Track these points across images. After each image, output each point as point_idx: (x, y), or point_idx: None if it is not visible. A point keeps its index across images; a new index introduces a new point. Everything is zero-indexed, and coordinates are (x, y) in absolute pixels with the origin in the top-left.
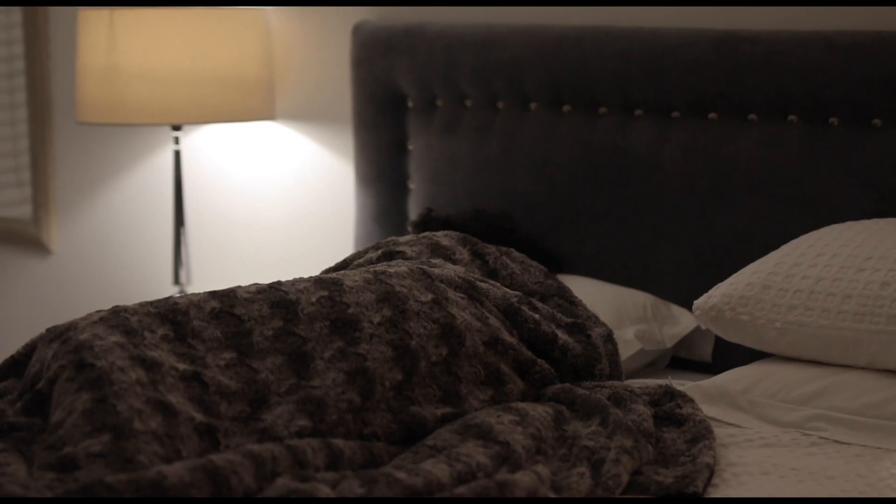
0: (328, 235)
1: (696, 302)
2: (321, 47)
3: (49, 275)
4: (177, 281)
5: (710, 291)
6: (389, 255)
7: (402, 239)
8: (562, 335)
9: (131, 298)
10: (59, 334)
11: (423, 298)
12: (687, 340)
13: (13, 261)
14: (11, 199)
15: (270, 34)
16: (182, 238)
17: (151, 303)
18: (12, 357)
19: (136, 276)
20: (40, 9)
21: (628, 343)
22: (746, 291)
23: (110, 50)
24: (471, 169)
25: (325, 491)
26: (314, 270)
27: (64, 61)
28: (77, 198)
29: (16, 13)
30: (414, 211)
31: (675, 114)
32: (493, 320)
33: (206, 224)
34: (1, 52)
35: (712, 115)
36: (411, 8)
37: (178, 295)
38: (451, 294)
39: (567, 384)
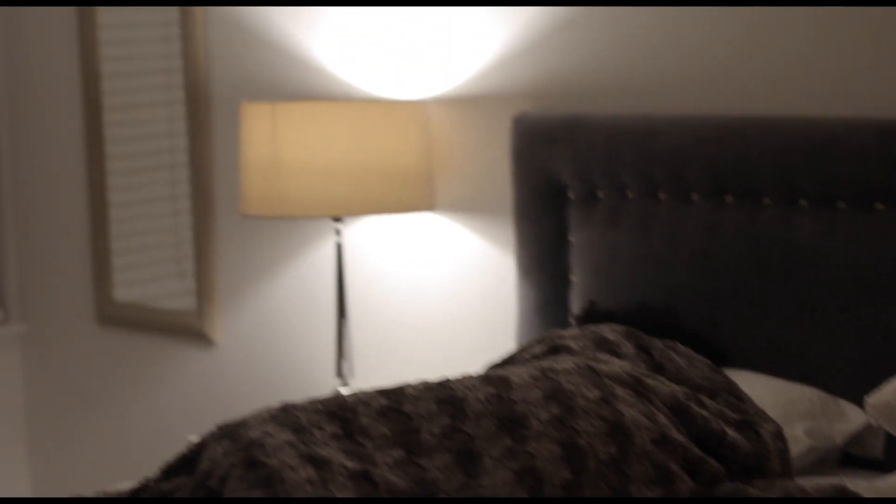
0: (489, 327)
1: (868, 398)
2: (481, 138)
3: (212, 366)
4: (339, 373)
5: (883, 387)
6: (555, 350)
7: (566, 333)
8: (731, 432)
9: (294, 390)
10: (229, 431)
11: (590, 395)
12: (857, 436)
13: (177, 352)
14: (174, 290)
15: (430, 126)
16: (344, 330)
17: (320, 400)
18: (183, 454)
19: (299, 368)
20: (203, 101)
21: (797, 440)
22: None
23: (273, 143)
24: (633, 261)
25: None
26: (477, 362)
27: (227, 154)
28: (239, 289)
29: (178, 105)
30: (576, 303)
31: (841, 204)
32: (661, 417)
33: (368, 316)
34: (163, 143)
35: (879, 206)
36: (571, 99)
37: (343, 390)
38: (619, 391)
39: (738, 483)
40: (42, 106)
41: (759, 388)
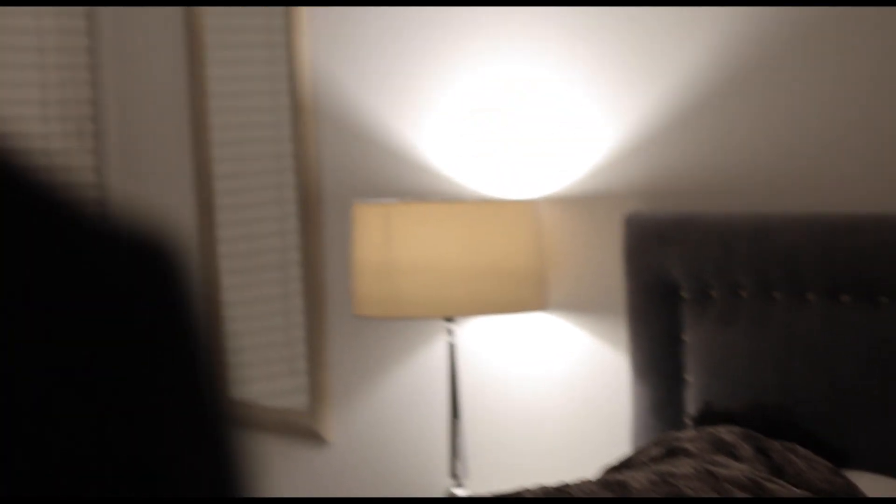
0: (603, 427)
1: None
2: (592, 237)
3: (325, 465)
4: (453, 474)
5: None
6: (672, 452)
7: (682, 434)
8: None
9: (407, 490)
10: None
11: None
12: None
13: (289, 452)
14: (285, 389)
15: (541, 225)
16: (457, 430)
17: None
18: None
19: (412, 468)
20: (314, 201)
21: None
22: None
23: (385, 244)
24: (748, 361)
25: None
26: (591, 463)
27: (338, 253)
28: (352, 388)
29: (290, 204)
30: (691, 404)
31: None
32: None
33: (482, 415)
34: (275, 243)
35: None
36: (683, 198)
37: (457, 491)
38: (739, 495)
39: None
40: (152, 209)
41: (882, 491)
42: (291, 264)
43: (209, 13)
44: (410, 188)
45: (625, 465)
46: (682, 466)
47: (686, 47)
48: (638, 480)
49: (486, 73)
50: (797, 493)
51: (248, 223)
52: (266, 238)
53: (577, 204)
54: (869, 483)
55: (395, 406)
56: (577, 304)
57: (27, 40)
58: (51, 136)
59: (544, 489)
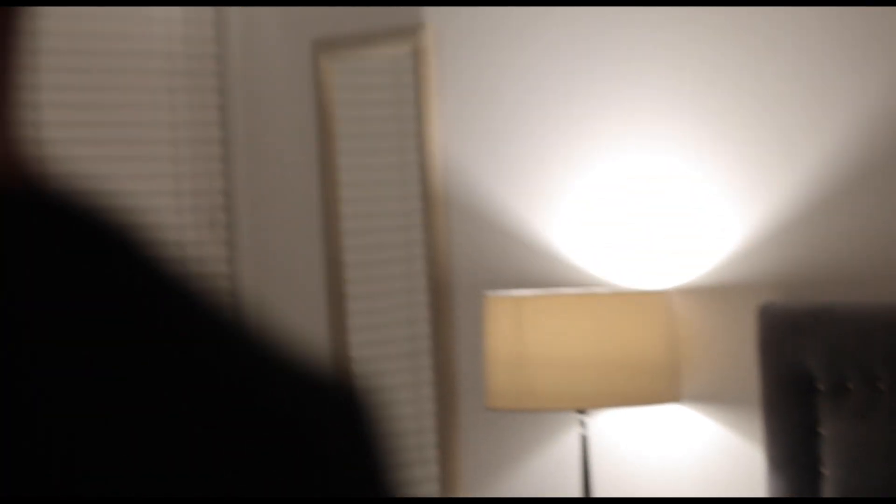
0: None
1: None
2: (726, 329)
3: None
4: None
5: None
6: None
7: None
8: None
9: None
10: None
11: None
12: None
13: None
14: (416, 478)
15: (674, 316)
16: None
17: None
18: None
19: None
20: (445, 290)
21: None
22: None
23: (517, 336)
24: (887, 455)
25: None
26: None
27: (468, 343)
28: (483, 480)
29: (420, 293)
30: (828, 498)
31: None
32: None
33: None
34: (405, 332)
35: None
36: (818, 288)
37: None
38: None
39: None
40: (287, 298)
41: None
42: (421, 353)
43: (340, 103)
44: (542, 278)
45: None
46: None
47: (819, 136)
48: None
49: (617, 164)
50: None
51: (378, 312)
52: (396, 327)
53: (710, 294)
54: None
55: (528, 496)
56: (711, 396)
57: (161, 133)
58: (183, 227)
59: None
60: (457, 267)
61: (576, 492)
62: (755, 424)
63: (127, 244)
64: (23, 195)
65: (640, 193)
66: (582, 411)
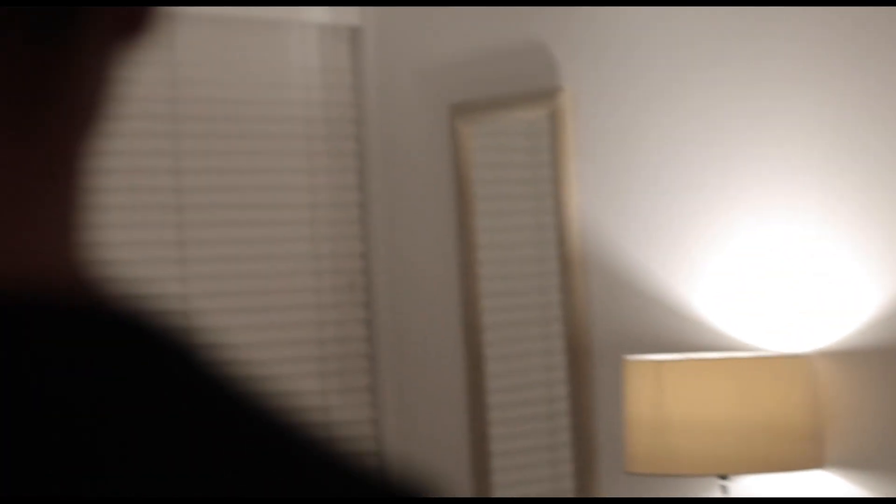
0: None
1: None
2: (870, 393)
3: None
4: None
5: None
6: None
7: None
8: None
9: None
10: None
11: None
12: None
13: None
14: None
15: (816, 380)
16: None
17: None
18: None
19: None
20: (583, 353)
21: None
22: None
23: (657, 400)
24: None
25: None
26: None
27: (607, 406)
28: None
29: (558, 355)
30: None
31: None
32: None
33: None
34: (542, 393)
35: None
36: None
37: None
38: None
39: None
40: (426, 361)
41: None
42: (560, 415)
43: (477, 166)
44: (681, 342)
45: None
46: None
47: None
48: None
49: (757, 229)
50: None
51: (516, 374)
52: (534, 389)
53: (852, 358)
54: None
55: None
56: (856, 462)
57: (300, 197)
58: (321, 290)
59: None
60: (595, 329)
61: None
62: None
63: (186, 360)
64: (80, 305)
65: (779, 258)
66: (723, 477)
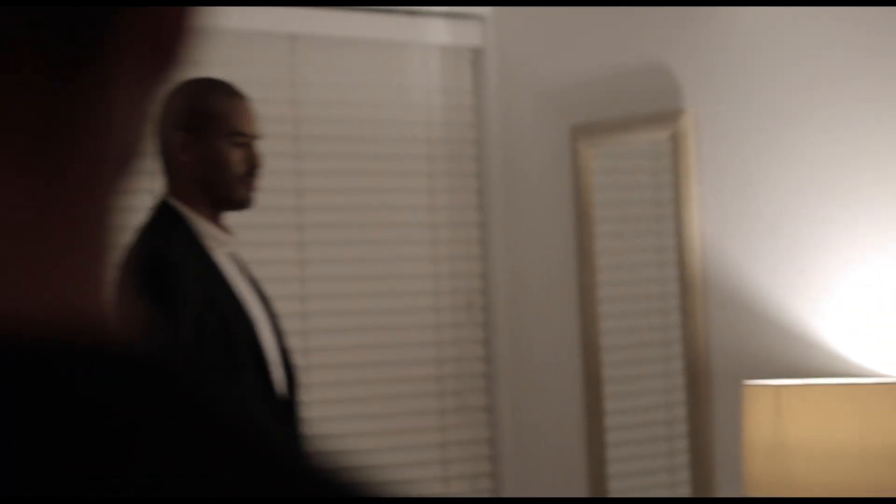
0: None
1: None
2: None
3: None
4: None
5: None
6: None
7: None
8: None
9: None
10: None
11: None
12: None
13: None
14: None
15: None
16: None
17: None
18: None
19: None
20: (703, 376)
21: None
22: None
23: (777, 425)
24: None
25: None
26: None
27: (726, 430)
28: None
29: (677, 377)
30: None
31: None
32: None
33: None
34: (661, 415)
35: None
36: None
37: None
38: None
39: None
40: (544, 381)
41: None
42: (678, 437)
43: (598, 188)
44: (802, 367)
45: None
46: None
47: None
48: None
49: (880, 252)
50: None
51: (634, 395)
52: (652, 411)
53: None
54: None
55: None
56: None
57: (420, 216)
58: (441, 309)
59: None
60: (714, 352)
61: None
62: None
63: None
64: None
65: None
66: None
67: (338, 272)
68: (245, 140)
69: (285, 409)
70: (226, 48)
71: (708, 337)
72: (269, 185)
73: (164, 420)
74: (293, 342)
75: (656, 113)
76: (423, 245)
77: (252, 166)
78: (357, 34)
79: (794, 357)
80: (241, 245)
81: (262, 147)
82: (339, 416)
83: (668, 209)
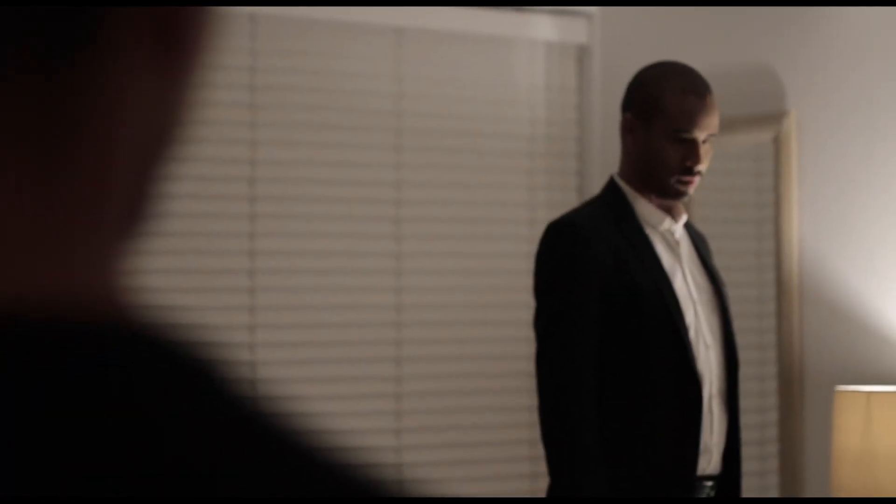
0: None
1: None
2: None
3: None
4: None
5: None
6: None
7: None
8: None
9: None
10: None
11: None
12: None
13: None
14: None
15: None
16: None
17: None
18: None
19: None
20: (795, 381)
21: None
22: None
23: (867, 432)
24: None
25: None
26: None
27: (818, 437)
28: None
29: (769, 381)
30: None
31: None
32: None
33: None
34: (754, 418)
35: None
36: None
37: None
38: None
39: None
40: None
41: None
42: (769, 441)
43: (700, 188)
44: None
45: None
46: None
47: None
48: None
49: None
50: None
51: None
52: (746, 414)
53: None
54: None
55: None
56: None
57: (520, 213)
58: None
59: None
60: (808, 357)
61: None
62: None
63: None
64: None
65: None
66: None
67: (434, 265)
68: (688, 136)
69: (727, 388)
70: (334, 40)
71: (802, 341)
72: (369, 178)
73: (169, 402)
74: (386, 333)
75: (759, 114)
76: (521, 242)
77: (689, 163)
78: (463, 29)
79: (888, 364)
80: (334, 236)
81: (364, 139)
82: (431, 409)
83: (768, 212)
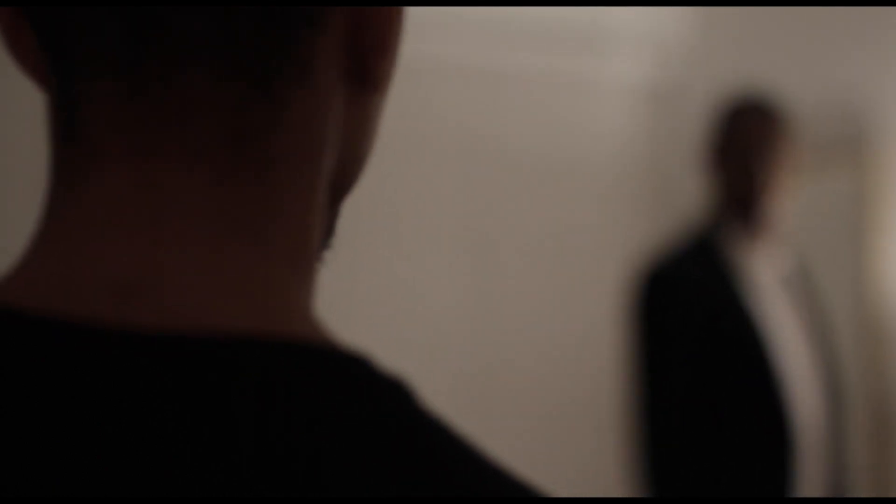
0: None
1: None
2: None
3: None
4: None
5: None
6: None
7: None
8: None
9: None
10: None
11: None
12: None
13: None
14: None
15: None
16: None
17: None
18: None
19: None
20: (884, 425)
21: None
22: None
23: None
24: None
25: None
26: None
27: None
28: None
29: (856, 426)
30: None
31: None
32: None
33: None
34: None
35: None
36: None
37: None
38: None
39: None
40: None
41: None
42: (858, 487)
43: (790, 227)
44: None
45: None
46: None
47: None
48: None
49: None
50: None
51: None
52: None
53: None
54: None
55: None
56: None
57: (602, 270)
58: (617, 355)
59: None
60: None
61: None
62: None
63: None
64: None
65: None
66: None
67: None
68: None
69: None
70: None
71: (891, 384)
72: (449, 211)
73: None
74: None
75: (855, 149)
76: (606, 283)
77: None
78: (547, 69)
79: None
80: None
81: (437, 174)
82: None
83: (859, 245)
